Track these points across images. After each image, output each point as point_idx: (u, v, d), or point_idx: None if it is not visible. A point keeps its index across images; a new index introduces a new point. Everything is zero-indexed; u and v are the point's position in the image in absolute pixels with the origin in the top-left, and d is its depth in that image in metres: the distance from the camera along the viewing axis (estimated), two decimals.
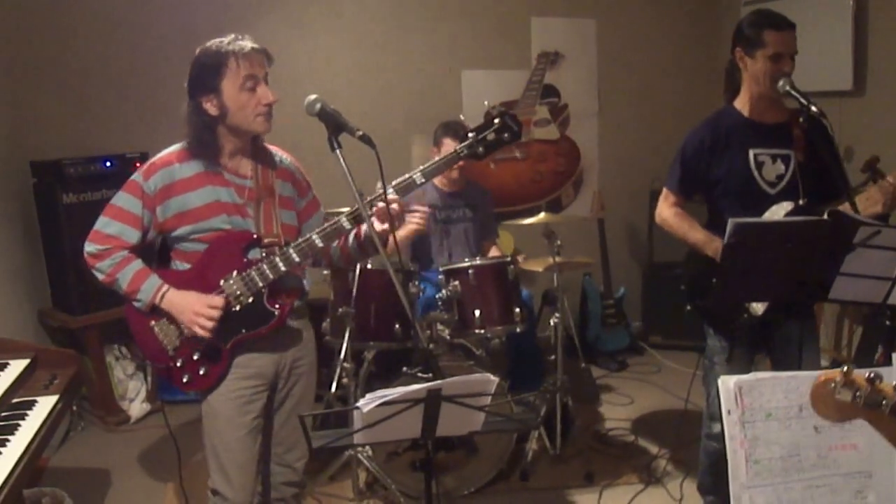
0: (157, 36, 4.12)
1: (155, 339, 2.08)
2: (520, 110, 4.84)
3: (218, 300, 2.02)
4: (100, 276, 2.06)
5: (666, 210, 2.60)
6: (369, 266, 3.06)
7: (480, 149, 2.03)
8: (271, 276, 2.04)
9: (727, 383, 1.47)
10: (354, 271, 3.01)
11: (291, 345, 2.21)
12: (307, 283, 2.29)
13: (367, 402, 1.44)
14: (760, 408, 1.47)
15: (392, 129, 4.49)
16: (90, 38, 4.05)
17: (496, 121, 2.02)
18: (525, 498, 3.15)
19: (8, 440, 1.84)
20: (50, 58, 4.00)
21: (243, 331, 2.07)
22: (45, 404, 2.07)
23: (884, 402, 1.07)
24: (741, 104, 2.50)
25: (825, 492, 1.48)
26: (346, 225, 2.04)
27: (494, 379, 1.57)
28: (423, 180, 2.05)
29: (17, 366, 2.21)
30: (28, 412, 2.01)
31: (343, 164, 1.87)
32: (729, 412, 1.46)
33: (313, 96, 1.93)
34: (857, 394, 1.09)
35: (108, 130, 4.08)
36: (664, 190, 2.62)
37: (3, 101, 3.86)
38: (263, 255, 2.08)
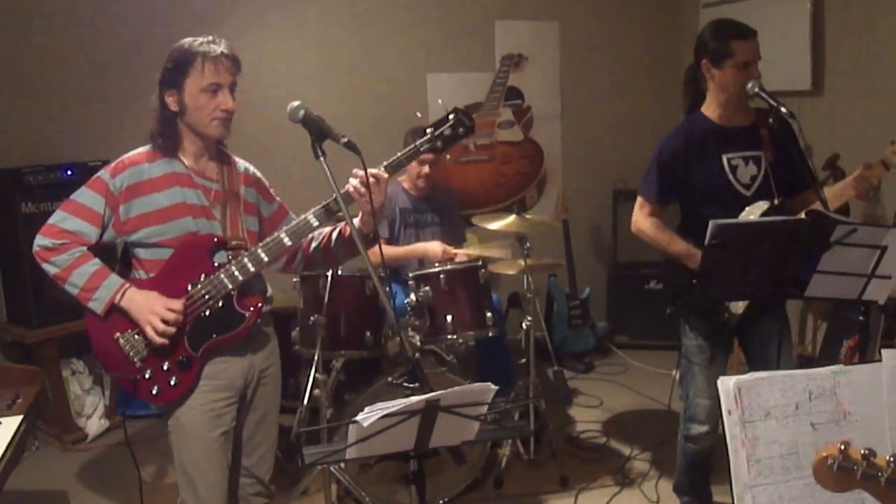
0: (117, 40, 3.98)
1: (119, 351, 2.00)
2: (484, 112, 4.80)
3: (177, 304, 1.96)
4: (52, 271, 1.98)
5: (643, 221, 2.58)
6: (340, 272, 3.00)
7: (439, 143, 2.07)
8: (241, 278, 2.02)
9: (726, 384, 1.46)
10: (326, 278, 2.94)
11: (261, 349, 2.18)
12: (270, 290, 2.25)
13: (367, 416, 1.38)
14: (759, 407, 1.46)
15: (358, 133, 4.38)
16: (50, 44, 3.89)
17: (451, 116, 2.07)
18: None
19: None
20: (7, 63, 3.84)
21: (214, 336, 2.03)
22: (8, 425, 1.97)
23: (879, 475, 1.16)
24: (709, 111, 2.53)
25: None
26: (314, 222, 2.04)
27: (493, 388, 1.53)
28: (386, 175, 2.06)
29: None
30: None
31: (328, 172, 1.85)
32: (729, 412, 1.45)
33: (296, 103, 1.90)
34: (855, 468, 1.17)
35: (69, 138, 3.93)
36: (639, 199, 2.60)
37: None
38: (229, 257, 2.04)
